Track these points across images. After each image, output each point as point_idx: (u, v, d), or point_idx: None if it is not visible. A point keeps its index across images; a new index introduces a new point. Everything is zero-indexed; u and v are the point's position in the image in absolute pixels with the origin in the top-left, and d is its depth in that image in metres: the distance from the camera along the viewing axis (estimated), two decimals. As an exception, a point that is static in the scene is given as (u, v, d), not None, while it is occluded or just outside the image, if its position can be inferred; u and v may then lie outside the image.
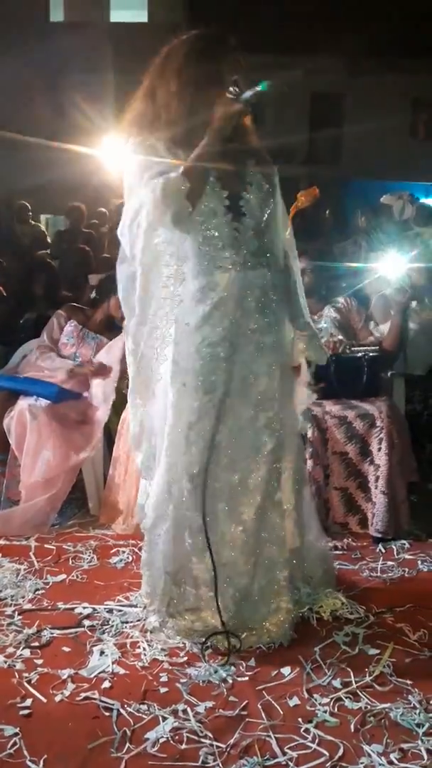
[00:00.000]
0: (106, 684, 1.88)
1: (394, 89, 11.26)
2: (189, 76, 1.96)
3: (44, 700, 1.81)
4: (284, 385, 2.10)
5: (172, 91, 1.98)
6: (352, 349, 2.95)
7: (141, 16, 11.72)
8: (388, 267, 3.12)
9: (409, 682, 1.90)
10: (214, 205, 1.98)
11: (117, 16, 11.69)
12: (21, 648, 2.03)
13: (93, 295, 3.49)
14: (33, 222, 7.50)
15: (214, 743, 1.66)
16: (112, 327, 3.33)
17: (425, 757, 1.64)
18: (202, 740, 1.67)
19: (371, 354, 2.95)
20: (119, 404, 3.41)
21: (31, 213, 7.36)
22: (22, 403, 3.07)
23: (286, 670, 1.95)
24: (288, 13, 10.08)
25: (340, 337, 3.01)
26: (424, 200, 10.41)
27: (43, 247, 6.78)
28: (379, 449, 2.84)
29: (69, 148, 7.30)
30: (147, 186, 1.93)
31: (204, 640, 2.04)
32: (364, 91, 11.32)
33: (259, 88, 1.87)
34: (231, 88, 1.90)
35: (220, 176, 1.98)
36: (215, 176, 1.98)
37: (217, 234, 1.98)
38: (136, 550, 2.70)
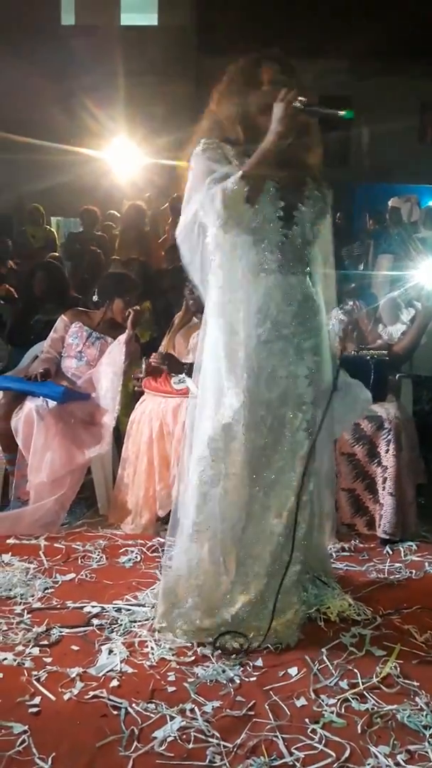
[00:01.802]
0: (115, 683, 1.89)
1: (402, 93, 11.23)
2: (242, 95, 2.05)
3: (53, 698, 1.82)
4: (320, 388, 2.14)
5: (232, 105, 2.06)
6: (361, 351, 2.96)
7: (151, 19, 11.77)
8: (425, 275, 3.14)
9: (416, 683, 1.90)
10: (268, 214, 2.04)
11: (127, 19, 11.75)
12: (30, 646, 2.05)
13: (95, 298, 3.51)
14: (45, 226, 7.55)
15: (221, 743, 1.67)
16: (116, 327, 3.35)
17: (432, 758, 1.64)
18: (210, 740, 1.68)
19: (379, 357, 2.96)
20: (127, 404, 3.43)
21: (43, 216, 7.41)
22: (30, 403, 3.09)
23: (293, 671, 1.96)
24: (296, 16, 10.08)
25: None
26: (431, 203, 10.40)
27: (54, 250, 6.83)
28: (387, 451, 2.84)
29: (79, 151, 7.36)
30: (207, 193, 1.99)
31: (214, 639, 2.05)
32: (372, 94, 11.30)
33: (341, 113, 1.95)
34: (300, 98, 1.95)
35: (280, 187, 2.05)
36: (275, 186, 2.04)
37: (266, 238, 2.05)
38: (144, 549, 2.71)
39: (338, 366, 2.18)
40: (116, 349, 3.25)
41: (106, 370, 3.26)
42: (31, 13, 10.18)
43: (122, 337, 3.25)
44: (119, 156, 7.70)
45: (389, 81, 11.32)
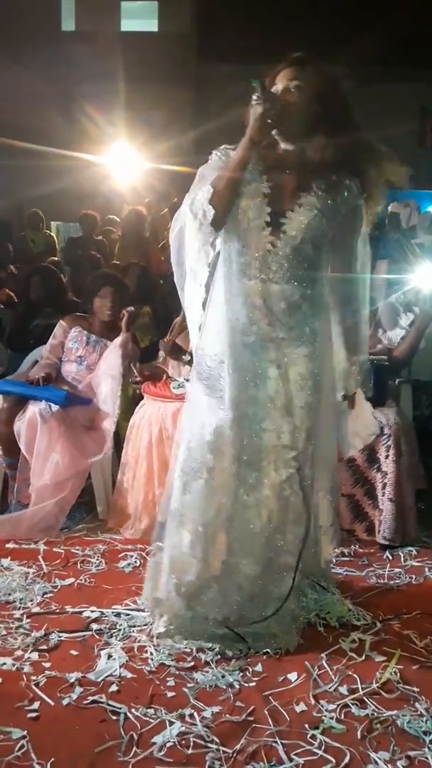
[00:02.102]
0: (114, 688, 1.89)
1: (402, 98, 11.28)
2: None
3: (52, 703, 1.82)
4: (318, 397, 2.12)
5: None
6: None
7: (151, 25, 11.81)
8: (423, 279, 3.15)
9: (416, 689, 1.90)
10: (254, 218, 2.02)
11: (127, 25, 11.80)
12: (29, 651, 2.04)
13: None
14: (45, 231, 7.56)
15: (221, 748, 1.66)
16: (116, 330, 3.35)
17: (432, 764, 1.64)
18: (209, 745, 1.68)
19: (379, 362, 2.96)
20: (127, 409, 3.43)
21: (43, 221, 7.42)
22: (33, 407, 3.10)
23: (292, 676, 1.96)
24: (295, 23, 10.13)
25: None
26: (430, 209, 10.41)
27: (54, 254, 6.84)
28: (387, 456, 2.84)
29: (79, 156, 7.38)
30: (186, 200, 2.03)
31: (208, 645, 2.05)
32: (370, 100, 11.34)
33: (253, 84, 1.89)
34: (253, 95, 1.93)
35: (271, 191, 2.02)
36: (265, 191, 2.02)
37: (252, 245, 2.03)
38: (143, 554, 2.71)
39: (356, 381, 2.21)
40: (113, 353, 3.26)
41: (104, 375, 3.26)
42: (31, 19, 10.21)
43: (118, 340, 3.26)
44: (119, 161, 7.72)
45: (389, 86, 11.36)
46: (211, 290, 2.11)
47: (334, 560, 2.65)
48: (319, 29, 10.03)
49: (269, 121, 1.92)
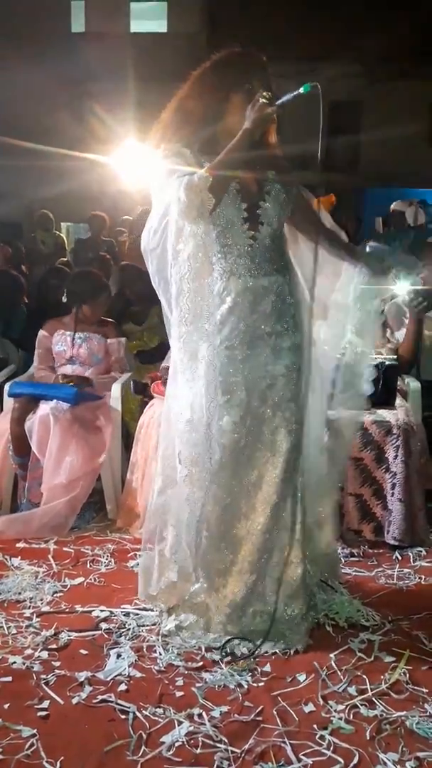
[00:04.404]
0: (123, 687, 1.90)
1: (412, 96, 11.23)
2: (215, 84, 2.06)
3: (61, 702, 1.83)
4: (305, 387, 2.13)
5: (199, 99, 2.07)
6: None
7: (161, 26, 11.84)
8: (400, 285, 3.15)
9: (425, 690, 1.89)
10: (232, 216, 2.05)
11: (137, 26, 11.83)
12: (39, 650, 2.06)
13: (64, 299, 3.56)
14: (55, 231, 7.60)
15: (229, 748, 1.67)
16: (100, 323, 3.40)
17: (441, 766, 1.63)
18: (217, 745, 1.68)
19: (388, 363, 2.95)
20: (136, 409, 3.44)
21: (53, 221, 7.46)
22: (45, 406, 3.12)
23: (301, 676, 1.96)
24: (305, 21, 10.11)
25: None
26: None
27: (63, 255, 6.87)
28: (396, 457, 2.83)
29: (89, 157, 7.40)
30: (172, 185, 2.01)
31: (223, 644, 2.06)
32: (382, 98, 11.30)
33: (300, 91, 1.92)
34: (264, 93, 1.97)
35: (241, 187, 2.06)
36: (236, 188, 2.05)
37: (232, 242, 2.06)
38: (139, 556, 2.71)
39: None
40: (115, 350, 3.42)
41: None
42: (41, 21, 10.27)
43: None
44: (128, 161, 7.73)
45: (399, 85, 11.31)
46: (188, 290, 2.09)
47: (342, 560, 2.65)
48: (329, 29, 10.01)
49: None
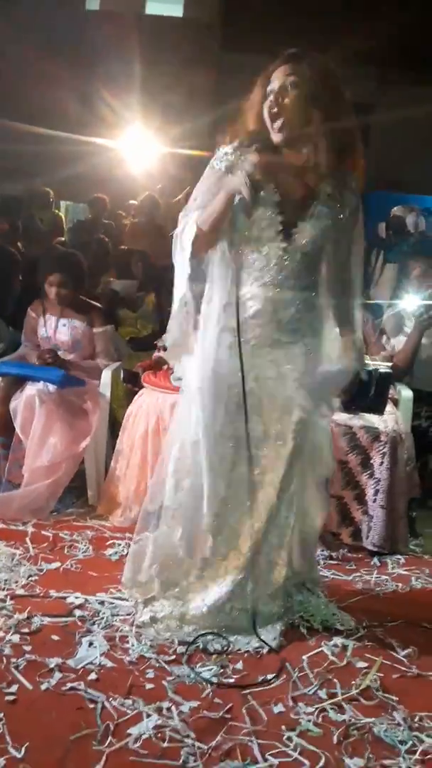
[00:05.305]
0: (93, 676, 1.88)
1: (422, 101, 11.20)
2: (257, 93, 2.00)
3: (30, 687, 1.81)
4: (314, 393, 2.13)
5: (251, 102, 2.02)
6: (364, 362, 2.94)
7: (176, 10, 11.69)
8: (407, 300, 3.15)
9: (395, 698, 1.90)
10: (267, 229, 2.01)
11: (153, 8, 11.67)
12: (10, 633, 2.03)
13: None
14: (54, 210, 7.52)
15: (196, 743, 1.66)
16: (80, 308, 3.32)
17: (406, 774, 1.64)
18: (185, 740, 1.67)
19: (382, 370, 2.94)
20: (123, 396, 3.42)
21: (52, 200, 7.37)
22: (31, 387, 3.09)
23: (272, 676, 1.95)
24: (317, 19, 10.04)
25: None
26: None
27: (61, 234, 6.79)
28: (381, 464, 2.83)
29: (95, 141, 7.32)
30: (182, 220, 2.06)
31: (192, 640, 2.05)
32: (391, 101, 11.27)
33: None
34: (241, 172, 1.92)
35: (281, 203, 2.00)
36: (275, 201, 2.00)
37: (265, 254, 2.03)
38: (132, 543, 2.69)
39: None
40: (101, 340, 3.36)
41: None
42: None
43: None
44: (134, 145, 7.67)
45: (409, 88, 11.28)
46: (206, 296, 2.08)
47: (321, 562, 2.66)
48: (342, 27, 9.94)
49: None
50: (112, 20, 10.77)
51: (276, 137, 1.96)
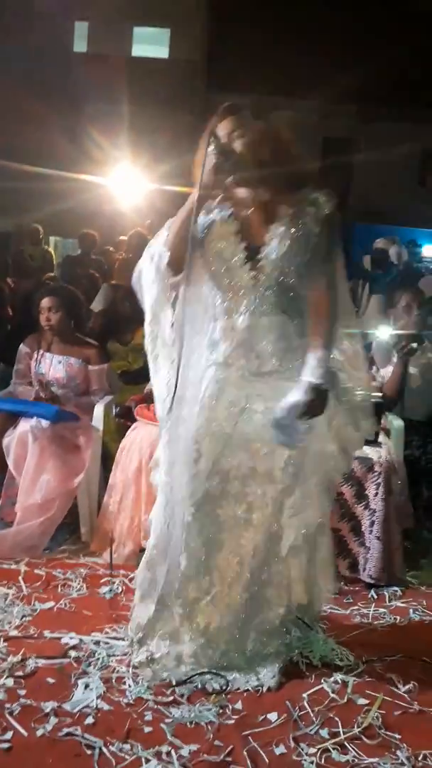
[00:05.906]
0: (90, 720, 1.84)
1: (404, 137, 11.51)
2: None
3: (25, 733, 1.77)
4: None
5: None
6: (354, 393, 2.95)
7: (162, 51, 12.01)
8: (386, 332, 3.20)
9: (397, 736, 1.87)
10: (233, 256, 2.03)
11: (139, 50, 11.99)
12: (4, 677, 1.99)
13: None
14: (44, 246, 7.60)
15: (197, 789, 1.62)
16: (74, 344, 3.33)
17: None
18: (185, 785, 1.64)
19: (372, 400, 2.95)
20: (115, 430, 3.40)
21: (42, 236, 7.46)
22: (24, 424, 3.07)
23: (273, 716, 1.92)
24: (303, 56, 10.34)
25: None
26: (428, 246, 10.56)
27: (51, 270, 6.85)
28: (376, 494, 2.83)
29: (84, 178, 7.44)
30: (148, 250, 2.14)
31: (188, 678, 2.02)
32: (375, 137, 11.58)
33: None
34: (210, 146, 1.99)
35: (241, 229, 2.03)
36: (237, 229, 2.03)
37: (235, 282, 2.04)
38: (126, 581, 2.66)
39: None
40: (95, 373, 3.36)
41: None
42: (43, 39, 10.36)
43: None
44: (123, 182, 7.80)
45: (392, 125, 11.60)
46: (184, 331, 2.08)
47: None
48: (326, 65, 10.24)
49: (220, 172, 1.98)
50: (100, 62, 11.06)
51: (228, 182, 2.04)
